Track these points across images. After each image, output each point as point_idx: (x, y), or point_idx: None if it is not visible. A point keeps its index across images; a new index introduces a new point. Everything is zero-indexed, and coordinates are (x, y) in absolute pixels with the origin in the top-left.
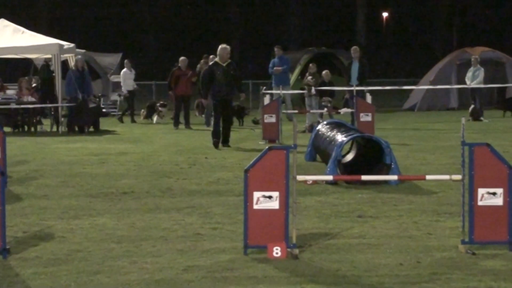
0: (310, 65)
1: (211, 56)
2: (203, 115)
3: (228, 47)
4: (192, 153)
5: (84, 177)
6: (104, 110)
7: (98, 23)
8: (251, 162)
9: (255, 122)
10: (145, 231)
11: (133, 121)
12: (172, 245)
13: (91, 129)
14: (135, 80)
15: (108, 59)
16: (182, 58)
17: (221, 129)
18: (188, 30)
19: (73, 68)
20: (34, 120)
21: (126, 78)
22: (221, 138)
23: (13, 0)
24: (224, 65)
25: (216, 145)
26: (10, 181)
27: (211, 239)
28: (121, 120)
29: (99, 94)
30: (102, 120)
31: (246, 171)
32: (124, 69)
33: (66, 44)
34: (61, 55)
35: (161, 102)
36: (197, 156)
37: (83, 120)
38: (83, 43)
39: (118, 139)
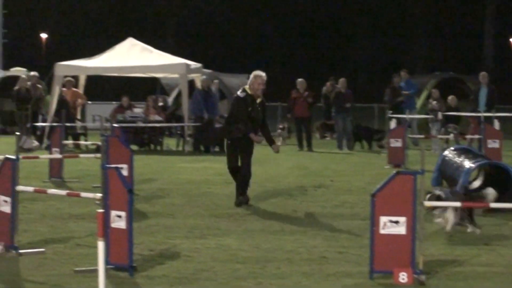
0: (433, 90)
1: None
2: (332, 137)
3: (264, 75)
4: (317, 175)
5: (209, 197)
6: None
7: (225, 43)
8: (378, 186)
9: (381, 146)
10: (270, 252)
11: None
12: (297, 267)
13: (217, 149)
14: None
15: (235, 80)
16: (299, 80)
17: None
18: (312, 53)
19: (200, 88)
20: (161, 139)
21: None
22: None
23: (141, 20)
24: (258, 101)
25: (241, 203)
26: (137, 199)
27: (336, 262)
28: None
29: (225, 114)
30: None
31: (373, 195)
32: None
33: (193, 64)
34: (188, 75)
35: (280, 126)
36: (322, 178)
37: (209, 139)
38: (210, 63)
39: None
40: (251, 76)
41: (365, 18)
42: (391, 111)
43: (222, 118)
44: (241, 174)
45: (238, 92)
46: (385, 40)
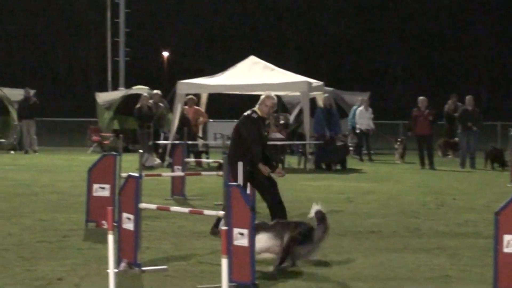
0: None
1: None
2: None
3: (275, 97)
4: (439, 193)
5: (331, 215)
6: (351, 148)
7: (346, 61)
8: (501, 205)
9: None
10: (393, 270)
11: (361, 159)
12: (420, 285)
13: (338, 167)
14: (376, 119)
15: (356, 98)
16: (421, 98)
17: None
18: (434, 71)
19: (322, 106)
20: (282, 157)
21: (361, 116)
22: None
23: (262, 38)
24: (267, 122)
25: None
26: (259, 217)
27: (459, 281)
28: (360, 158)
29: (346, 132)
30: (349, 158)
31: (497, 213)
32: (361, 108)
33: (314, 82)
34: (310, 93)
35: (397, 139)
36: (444, 197)
37: (331, 158)
38: (331, 81)
39: (365, 178)
40: (263, 97)
41: (488, 34)
42: None
43: (344, 136)
44: (279, 206)
45: (250, 113)
46: (509, 57)
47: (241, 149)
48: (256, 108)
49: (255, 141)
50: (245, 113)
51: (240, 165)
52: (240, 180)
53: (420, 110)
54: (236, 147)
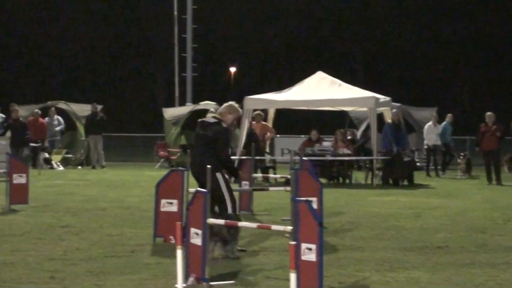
0: None
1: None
2: None
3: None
4: (506, 209)
5: (398, 230)
6: (418, 164)
7: (413, 76)
8: None
9: None
10: (460, 285)
11: (437, 175)
12: None
13: (405, 182)
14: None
15: (423, 113)
16: (488, 113)
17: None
18: (504, 85)
19: (389, 121)
20: (349, 172)
21: (429, 132)
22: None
23: (329, 53)
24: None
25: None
26: (326, 232)
27: None
28: (427, 174)
29: (413, 148)
30: (416, 174)
31: None
32: (429, 123)
33: (382, 98)
34: (377, 108)
35: (460, 154)
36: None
37: (398, 173)
38: (398, 97)
39: (432, 193)
40: (228, 107)
41: None
42: None
43: (411, 152)
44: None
45: (220, 122)
46: None
47: (216, 158)
48: (218, 116)
49: (229, 156)
50: (215, 121)
51: (219, 175)
52: (225, 190)
53: (487, 126)
54: (211, 156)
